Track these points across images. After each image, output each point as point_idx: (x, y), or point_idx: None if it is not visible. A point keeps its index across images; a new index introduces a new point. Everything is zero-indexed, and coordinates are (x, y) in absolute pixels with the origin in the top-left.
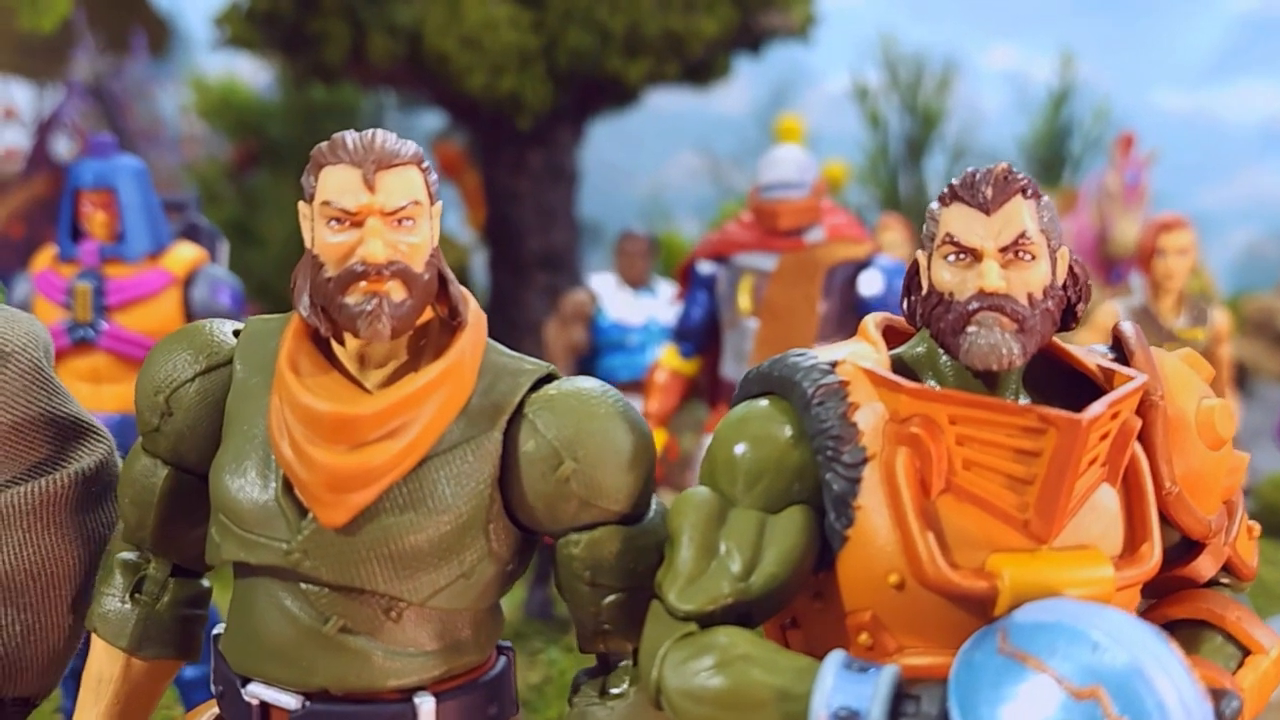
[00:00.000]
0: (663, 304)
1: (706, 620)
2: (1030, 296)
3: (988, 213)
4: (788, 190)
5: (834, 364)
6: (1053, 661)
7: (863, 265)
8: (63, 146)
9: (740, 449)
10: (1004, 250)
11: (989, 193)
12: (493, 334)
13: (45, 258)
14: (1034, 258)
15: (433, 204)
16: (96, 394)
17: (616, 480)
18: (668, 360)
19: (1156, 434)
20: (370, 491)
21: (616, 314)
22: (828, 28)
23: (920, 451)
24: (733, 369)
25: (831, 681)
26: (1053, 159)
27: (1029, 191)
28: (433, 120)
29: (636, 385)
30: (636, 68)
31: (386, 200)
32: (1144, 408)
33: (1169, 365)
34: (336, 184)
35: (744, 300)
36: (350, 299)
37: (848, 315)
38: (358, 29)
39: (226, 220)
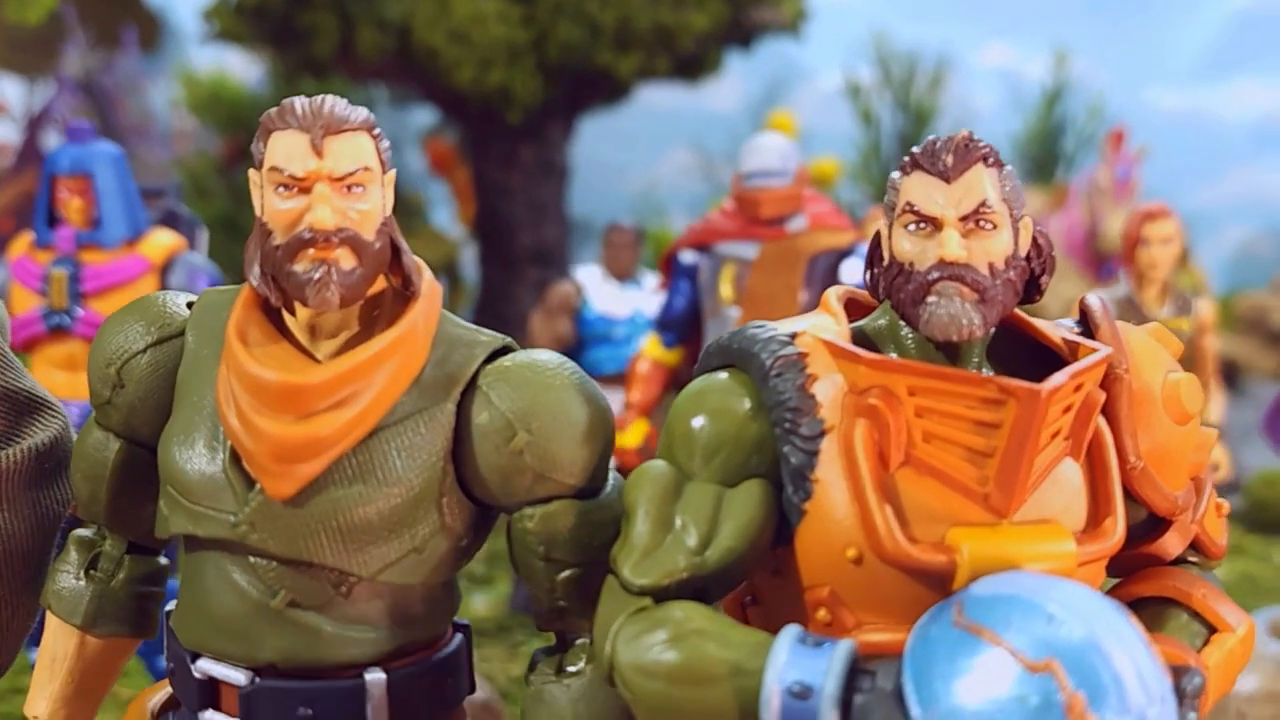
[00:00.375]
0: (649, 296)
1: (661, 595)
2: (991, 266)
3: (948, 181)
4: (770, 178)
5: (793, 335)
6: (1008, 634)
7: (845, 254)
8: (53, 142)
9: (698, 422)
10: (964, 219)
11: (949, 160)
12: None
13: (22, 244)
14: (995, 227)
15: (385, 171)
16: (72, 381)
17: (571, 453)
18: (650, 350)
19: (1121, 408)
20: (318, 462)
21: (602, 306)
22: (820, 24)
23: (879, 424)
24: None
25: (785, 656)
26: (1046, 157)
27: (990, 160)
28: (424, 116)
29: (622, 378)
30: (627, 62)
31: (335, 166)
32: (1109, 381)
33: (1135, 339)
34: (284, 149)
35: (726, 289)
36: (298, 266)
37: None
38: (346, 23)
39: (216, 215)
